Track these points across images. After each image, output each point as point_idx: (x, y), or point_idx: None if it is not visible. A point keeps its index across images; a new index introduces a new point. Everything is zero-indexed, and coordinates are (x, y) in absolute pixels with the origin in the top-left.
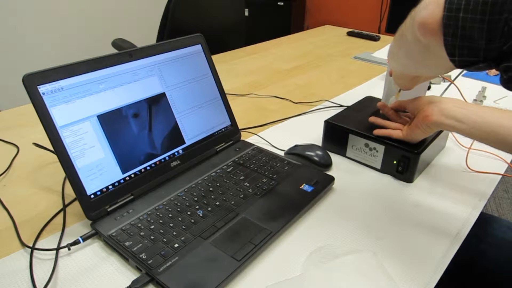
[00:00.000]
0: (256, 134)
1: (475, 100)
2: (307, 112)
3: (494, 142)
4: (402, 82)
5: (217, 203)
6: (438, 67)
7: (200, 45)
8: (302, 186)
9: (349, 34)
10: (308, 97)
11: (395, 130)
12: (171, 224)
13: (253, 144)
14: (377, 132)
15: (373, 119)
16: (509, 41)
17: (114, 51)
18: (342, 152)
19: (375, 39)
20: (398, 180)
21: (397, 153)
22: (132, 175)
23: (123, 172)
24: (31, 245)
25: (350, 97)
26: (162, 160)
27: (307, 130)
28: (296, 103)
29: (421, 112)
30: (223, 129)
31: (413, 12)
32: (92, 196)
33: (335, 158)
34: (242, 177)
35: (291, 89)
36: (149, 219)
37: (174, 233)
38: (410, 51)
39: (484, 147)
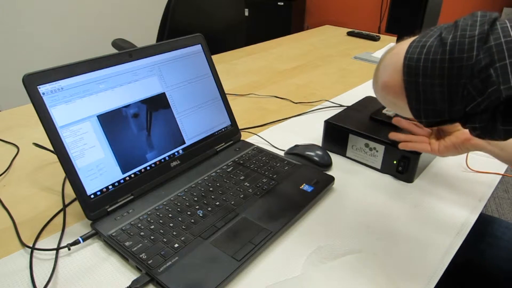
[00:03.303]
0: (256, 134)
1: None
2: (307, 112)
3: None
4: None
5: (217, 203)
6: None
7: (200, 45)
8: (302, 186)
9: (349, 34)
10: (308, 97)
11: (422, 144)
12: (171, 224)
13: (253, 144)
14: (402, 146)
15: (393, 135)
16: (470, 104)
17: (114, 51)
18: (342, 152)
19: (375, 39)
20: (398, 180)
21: (397, 153)
22: (132, 175)
23: (123, 172)
24: (31, 245)
25: (350, 97)
26: (162, 160)
27: (307, 130)
28: (296, 103)
29: (462, 134)
30: (223, 129)
31: (379, 64)
32: (92, 196)
33: (335, 158)
34: (242, 177)
35: (291, 89)
36: (149, 219)
37: (174, 233)
38: (381, 99)
39: None
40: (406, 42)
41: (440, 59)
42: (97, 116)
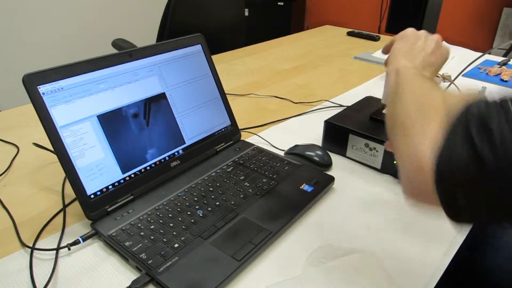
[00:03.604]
0: (256, 134)
1: None
2: (307, 112)
3: None
4: None
5: (217, 203)
6: None
7: (200, 45)
8: (302, 186)
9: (349, 34)
10: (308, 97)
11: None
12: (171, 224)
13: (253, 144)
14: None
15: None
16: None
17: (114, 51)
18: (342, 152)
19: (375, 39)
20: (398, 180)
21: None
22: (132, 175)
23: (123, 172)
24: (31, 245)
25: (350, 97)
26: (162, 160)
27: (307, 130)
28: (296, 103)
29: None
30: (223, 129)
31: (401, 164)
32: (92, 196)
33: (335, 158)
34: (242, 177)
35: (291, 89)
36: (149, 219)
37: (174, 233)
38: None
39: None
40: (428, 143)
41: (479, 177)
42: (97, 116)
